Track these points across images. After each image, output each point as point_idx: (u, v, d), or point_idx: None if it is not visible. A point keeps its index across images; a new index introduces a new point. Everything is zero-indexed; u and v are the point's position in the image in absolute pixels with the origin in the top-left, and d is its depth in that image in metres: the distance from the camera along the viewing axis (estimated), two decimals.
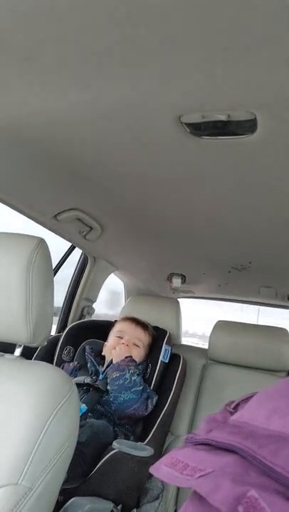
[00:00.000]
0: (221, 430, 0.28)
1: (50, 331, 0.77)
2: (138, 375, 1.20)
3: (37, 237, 0.75)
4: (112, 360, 1.28)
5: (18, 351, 0.77)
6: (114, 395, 1.15)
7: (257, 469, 0.23)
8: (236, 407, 0.33)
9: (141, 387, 1.17)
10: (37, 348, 1.35)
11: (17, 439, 0.56)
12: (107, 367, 1.27)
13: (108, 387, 1.18)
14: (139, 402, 1.15)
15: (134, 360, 1.26)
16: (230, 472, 0.23)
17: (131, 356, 1.28)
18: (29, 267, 0.70)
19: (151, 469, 0.29)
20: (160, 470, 0.28)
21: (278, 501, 0.20)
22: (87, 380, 1.22)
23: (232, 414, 0.32)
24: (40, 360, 1.30)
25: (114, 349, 1.30)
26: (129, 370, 1.19)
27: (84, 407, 1.13)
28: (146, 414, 1.19)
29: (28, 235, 0.76)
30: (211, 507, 0.22)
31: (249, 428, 0.27)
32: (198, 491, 0.23)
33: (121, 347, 1.29)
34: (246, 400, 0.33)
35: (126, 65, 0.58)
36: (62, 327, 1.68)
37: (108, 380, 1.19)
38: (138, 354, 1.32)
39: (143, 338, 1.36)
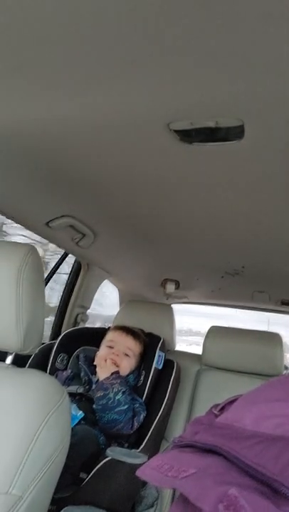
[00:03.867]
0: (206, 432, 0.29)
1: (41, 339, 0.77)
2: (123, 392, 1.17)
3: (27, 245, 0.75)
4: None
5: (9, 359, 0.76)
6: (99, 415, 1.14)
7: (238, 469, 0.23)
8: (222, 410, 0.33)
9: (125, 407, 1.14)
10: (30, 356, 1.35)
11: (7, 447, 0.56)
12: (98, 379, 1.26)
13: (94, 406, 1.16)
14: (123, 422, 1.13)
15: (119, 376, 1.24)
16: (212, 473, 0.23)
17: (117, 372, 1.25)
18: (19, 275, 0.70)
19: (138, 472, 0.29)
20: (146, 472, 0.28)
21: (257, 499, 0.21)
22: (80, 389, 1.22)
23: (217, 416, 0.32)
24: (34, 368, 1.30)
25: (100, 365, 1.28)
26: (112, 389, 1.17)
27: (81, 413, 1.12)
28: (132, 432, 1.17)
29: (18, 243, 0.76)
30: (195, 508, 0.22)
31: (233, 430, 0.27)
32: (181, 491, 0.23)
33: (106, 359, 1.28)
34: (231, 402, 0.33)
35: (115, 74, 0.59)
36: (55, 334, 1.68)
37: (94, 399, 1.18)
38: (129, 364, 1.31)
39: (134, 347, 1.35)
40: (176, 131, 0.71)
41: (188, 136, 0.72)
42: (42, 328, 0.77)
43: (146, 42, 0.52)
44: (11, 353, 0.77)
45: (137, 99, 0.64)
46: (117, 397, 1.14)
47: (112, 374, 1.23)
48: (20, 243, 0.76)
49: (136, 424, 1.17)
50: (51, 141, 0.80)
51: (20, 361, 0.78)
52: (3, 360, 0.77)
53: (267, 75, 0.55)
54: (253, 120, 0.65)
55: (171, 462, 0.27)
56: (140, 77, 0.58)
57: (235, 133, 0.70)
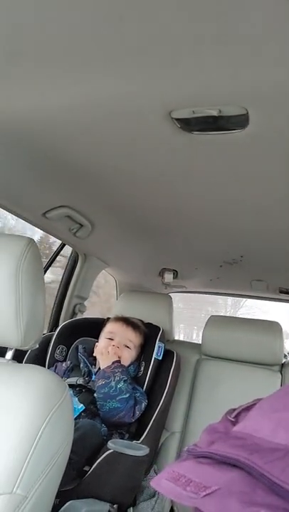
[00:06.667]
0: (223, 442, 0.27)
1: (41, 334, 0.76)
2: (125, 381, 1.17)
3: (26, 237, 0.73)
4: None
5: (9, 355, 0.75)
6: (100, 404, 1.14)
7: (264, 487, 0.22)
8: (237, 416, 0.32)
9: (127, 395, 1.15)
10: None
11: (10, 447, 0.55)
12: (98, 369, 1.25)
13: (95, 395, 1.16)
14: (125, 410, 1.13)
15: (121, 366, 1.24)
16: (236, 491, 0.22)
17: (119, 361, 1.25)
18: (18, 269, 0.68)
19: (152, 483, 0.28)
20: (161, 484, 0.27)
21: None
22: (80, 381, 1.21)
23: (233, 423, 0.31)
24: (33, 360, 1.29)
25: (101, 354, 1.28)
26: (114, 377, 1.17)
27: (81, 406, 1.11)
28: (134, 420, 1.17)
29: (17, 235, 0.74)
30: None
31: (253, 440, 0.26)
32: (203, 511, 0.22)
33: (109, 350, 1.28)
34: (247, 408, 0.32)
35: (115, 61, 0.56)
36: (54, 325, 1.66)
37: (95, 388, 1.18)
38: (129, 355, 1.31)
39: (134, 338, 1.34)
40: (177, 120, 0.69)
41: (188, 124, 0.70)
42: (42, 322, 0.75)
43: (148, 28, 0.50)
44: (11, 349, 0.75)
45: (138, 86, 0.62)
46: (118, 386, 1.15)
47: (114, 363, 1.23)
48: (18, 236, 0.74)
49: (137, 413, 1.17)
50: (49, 130, 0.78)
51: (18, 353, 0.76)
52: (3, 356, 0.75)
53: (274, 62, 0.53)
54: (258, 108, 0.63)
55: (188, 475, 0.25)
56: (142, 63, 0.56)
57: (238, 122, 0.67)
